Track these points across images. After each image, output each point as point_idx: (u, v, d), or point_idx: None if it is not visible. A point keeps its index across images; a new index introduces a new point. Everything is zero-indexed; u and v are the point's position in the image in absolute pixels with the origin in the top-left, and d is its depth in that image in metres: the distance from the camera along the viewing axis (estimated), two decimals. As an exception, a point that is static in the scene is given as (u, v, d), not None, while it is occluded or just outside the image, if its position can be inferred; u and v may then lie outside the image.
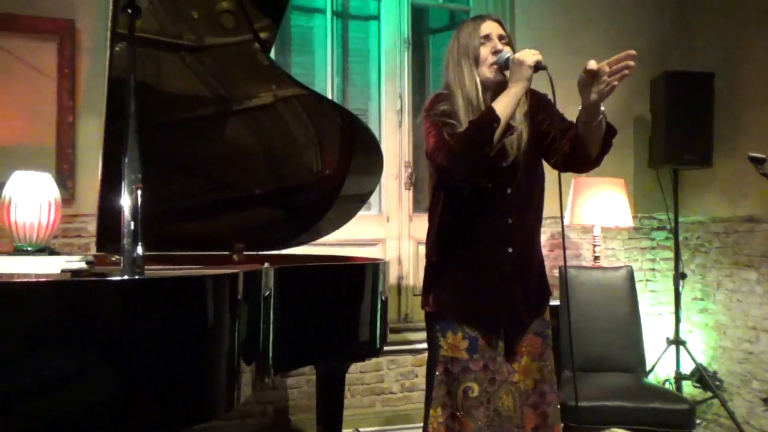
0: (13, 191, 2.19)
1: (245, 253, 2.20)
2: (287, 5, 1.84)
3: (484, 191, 1.67)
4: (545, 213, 1.79)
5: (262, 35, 1.82)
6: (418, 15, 3.44)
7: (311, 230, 2.32)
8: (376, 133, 2.79)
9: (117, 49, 1.59)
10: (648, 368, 3.08)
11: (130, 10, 1.42)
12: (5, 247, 2.37)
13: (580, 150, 1.59)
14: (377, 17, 3.30)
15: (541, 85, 1.68)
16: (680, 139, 3.20)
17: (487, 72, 1.66)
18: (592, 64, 1.44)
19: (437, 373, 1.69)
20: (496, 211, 1.67)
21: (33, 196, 2.20)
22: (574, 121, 1.60)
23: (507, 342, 1.71)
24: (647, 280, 3.54)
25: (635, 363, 2.84)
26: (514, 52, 1.64)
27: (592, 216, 3.05)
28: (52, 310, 1.15)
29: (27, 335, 1.13)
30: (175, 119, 1.93)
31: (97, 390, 1.17)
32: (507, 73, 1.61)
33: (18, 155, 2.50)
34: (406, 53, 3.26)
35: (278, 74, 1.93)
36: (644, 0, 3.52)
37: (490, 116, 1.53)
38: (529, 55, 1.55)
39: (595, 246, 3.11)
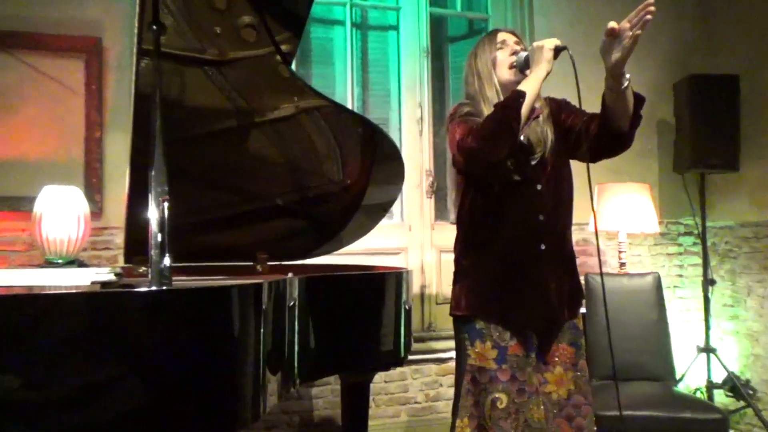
0: (44, 206, 2.25)
1: (269, 263, 2.22)
2: (308, 18, 1.86)
3: (514, 188, 1.67)
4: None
5: (284, 48, 1.84)
6: (437, 24, 3.45)
7: (334, 240, 2.33)
8: (397, 143, 2.80)
9: (142, 64, 1.63)
10: (678, 377, 3.01)
11: (155, 27, 1.45)
12: (36, 260, 2.43)
13: (609, 126, 1.59)
14: (396, 27, 3.32)
15: (561, 80, 1.68)
16: (706, 142, 3.15)
17: (506, 74, 1.71)
18: (613, 24, 1.46)
19: (464, 382, 1.67)
20: (527, 208, 1.67)
21: (63, 211, 2.25)
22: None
23: (539, 348, 1.68)
24: (675, 287, 3.47)
25: (664, 371, 2.79)
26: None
27: (616, 222, 3.01)
28: (83, 321, 1.17)
29: (58, 345, 1.15)
30: (199, 132, 1.96)
31: (125, 399, 1.18)
32: (527, 72, 1.64)
33: (48, 170, 2.55)
34: (425, 62, 3.27)
35: (300, 86, 1.95)
36: (665, 3, 3.47)
37: (516, 94, 1.57)
38: (548, 41, 1.60)
39: (620, 252, 3.07)
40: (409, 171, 2.77)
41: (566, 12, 3.35)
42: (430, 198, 3.24)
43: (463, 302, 1.72)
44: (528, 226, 1.67)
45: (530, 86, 1.58)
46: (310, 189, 2.22)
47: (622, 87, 1.52)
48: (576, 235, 3.24)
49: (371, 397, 2.54)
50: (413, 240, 3.20)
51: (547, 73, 1.60)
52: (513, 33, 1.78)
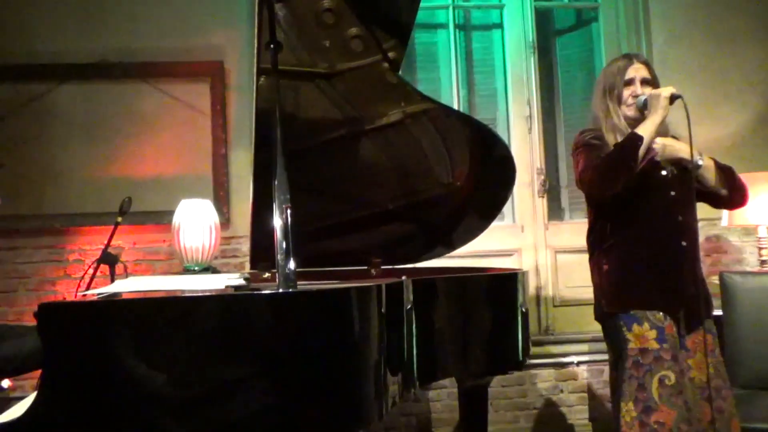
0: (181, 218, 2.47)
1: (382, 267, 2.27)
2: (413, 25, 1.89)
3: (649, 195, 1.81)
4: (699, 215, 1.83)
5: (391, 55, 1.88)
6: (543, 17, 3.35)
7: (445, 243, 2.33)
8: (506, 142, 2.75)
9: (261, 83, 1.74)
10: (837, 387, 2.67)
11: (272, 46, 1.54)
12: (176, 268, 2.67)
13: (704, 188, 1.83)
14: (500, 25, 3.27)
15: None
16: None
17: (627, 110, 1.88)
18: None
19: (627, 367, 1.74)
20: (665, 212, 1.82)
21: (198, 222, 2.46)
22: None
23: (684, 333, 1.78)
24: (829, 286, 3.08)
25: (819, 381, 2.49)
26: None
27: (756, 215, 2.74)
28: (222, 321, 1.26)
29: (199, 344, 1.24)
30: (313, 143, 2.04)
31: (258, 397, 1.25)
32: (646, 113, 1.80)
33: (181, 186, 2.80)
34: (531, 58, 3.19)
35: (407, 91, 1.97)
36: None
37: (634, 136, 1.75)
38: (665, 89, 1.78)
39: (760, 249, 2.79)
40: (520, 170, 2.69)
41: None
42: (542, 197, 3.15)
43: (616, 298, 1.82)
44: (669, 227, 1.81)
45: (647, 130, 1.75)
46: (420, 193, 2.24)
47: (695, 170, 1.77)
48: (707, 231, 3.02)
49: (489, 402, 2.51)
50: (526, 241, 3.12)
51: (663, 119, 1.77)
52: (645, 64, 1.91)
